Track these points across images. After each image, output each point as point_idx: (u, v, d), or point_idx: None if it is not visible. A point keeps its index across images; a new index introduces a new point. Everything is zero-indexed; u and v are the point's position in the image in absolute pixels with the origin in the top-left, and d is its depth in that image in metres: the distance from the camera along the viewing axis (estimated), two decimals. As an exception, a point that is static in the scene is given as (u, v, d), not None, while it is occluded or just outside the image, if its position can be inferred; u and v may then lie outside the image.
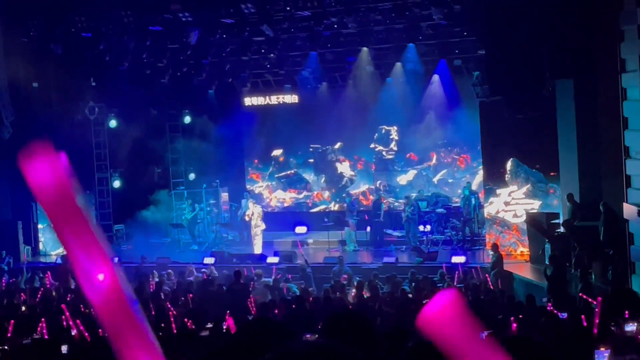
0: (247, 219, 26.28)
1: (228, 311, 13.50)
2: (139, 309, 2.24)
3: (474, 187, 26.64)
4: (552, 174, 22.77)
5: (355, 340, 3.85)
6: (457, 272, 20.18)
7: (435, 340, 2.16)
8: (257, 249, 25.47)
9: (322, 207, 31.36)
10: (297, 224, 27.72)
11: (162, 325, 13.03)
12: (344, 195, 30.57)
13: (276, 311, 14.28)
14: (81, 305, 16.11)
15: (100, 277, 2.22)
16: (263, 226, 26.03)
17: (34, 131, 26.26)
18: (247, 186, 31.99)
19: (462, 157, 29.56)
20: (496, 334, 10.45)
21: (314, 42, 25.53)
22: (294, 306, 14.87)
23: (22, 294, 19.43)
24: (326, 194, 31.51)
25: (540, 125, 22.28)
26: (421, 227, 25.58)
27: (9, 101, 22.91)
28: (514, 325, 11.45)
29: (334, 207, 30.85)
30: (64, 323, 13.24)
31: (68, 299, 17.58)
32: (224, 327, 12.53)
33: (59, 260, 24.75)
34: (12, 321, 13.35)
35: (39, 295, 18.76)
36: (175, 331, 12.63)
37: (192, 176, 31.34)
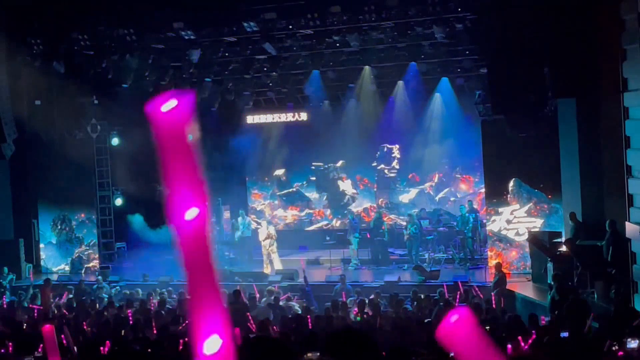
0: (260, 238, 26.26)
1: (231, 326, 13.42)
2: (215, 258, 2.42)
3: (475, 206, 26.62)
4: (550, 196, 22.83)
5: (358, 358, 3.83)
6: (458, 291, 20.12)
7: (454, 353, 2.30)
8: (268, 270, 25.39)
9: (324, 223, 31.36)
10: (300, 244, 28.02)
11: (165, 343, 12.97)
12: (345, 212, 30.61)
13: (276, 329, 14.23)
14: (84, 323, 16.09)
15: (194, 211, 2.41)
16: (275, 244, 26.01)
17: (36, 149, 26.31)
18: (249, 205, 32.02)
19: (464, 177, 29.58)
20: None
21: (316, 61, 25.57)
22: (295, 325, 14.83)
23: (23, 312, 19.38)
24: (328, 211, 31.51)
25: (543, 144, 22.29)
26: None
27: (12, 119, 22.92)
28: (515, 344, 11.40)
29: (336, 223, 30.88)
30: (64, 341, 13.18)
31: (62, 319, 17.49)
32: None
33: (41, 282, 24.42)
34: (14, 339, 13.30)
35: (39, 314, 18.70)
36: (178, 349, 12.57)
37: (194, 194, 31.27)
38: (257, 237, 27.72)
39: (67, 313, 18.62)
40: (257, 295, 20.51)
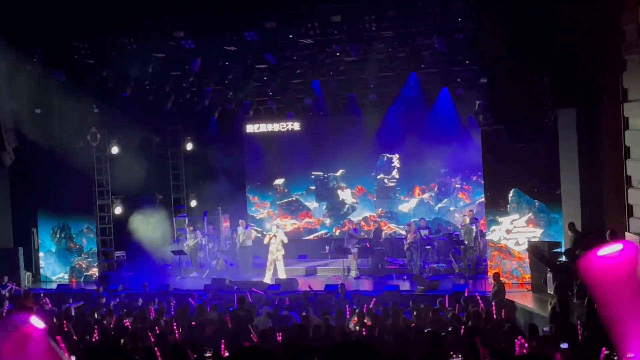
0: (266, 241, 26.13)
1: (223, 340, 13.33)
2: None
3: (475, 215, 26.61)
4: (556, 192, 22.72)
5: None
6: (457, 301, 20.08)
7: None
8: (269, 278, 25.29)
9: (324, 232, 31.37)
10: (300, 253, 28.03)
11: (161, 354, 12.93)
12: (345, 221, 30.64)
13: (279, 339, 14.18)
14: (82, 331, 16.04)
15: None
16: (282, 252, 25.85)
17: (36, 157, 26.31)
18: (249, 214, 32.03)
19: (464, 187, 29.58)
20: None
21: (316, 70, 25.57)
22: (294, 334, 14.78)
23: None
24: (327, 221, 31.51)
25: (543, 154, 22.26)
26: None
27: (12, 127, 22.91)
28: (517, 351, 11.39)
29: (336, 232, 30.90)
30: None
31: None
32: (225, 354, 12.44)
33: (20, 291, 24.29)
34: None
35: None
36: None
37: (193, 203, 31.33)
38: (257, 247, 27.70)
39: (66, 322, 18.57)
40: (256, 305, 20.46)
